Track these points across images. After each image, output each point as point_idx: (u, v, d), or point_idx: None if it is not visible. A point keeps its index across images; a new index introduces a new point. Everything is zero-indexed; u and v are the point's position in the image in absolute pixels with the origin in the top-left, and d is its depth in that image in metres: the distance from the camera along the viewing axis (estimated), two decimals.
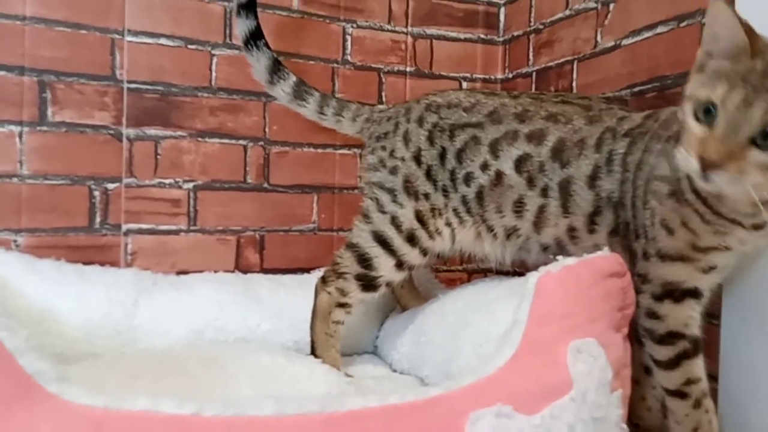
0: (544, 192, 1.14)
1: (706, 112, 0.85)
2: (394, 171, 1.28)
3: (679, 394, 0.99)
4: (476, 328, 1.12)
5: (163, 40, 1.54)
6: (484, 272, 1.85)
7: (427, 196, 1.26)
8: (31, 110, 1.43)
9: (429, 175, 1.26)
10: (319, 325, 1.29)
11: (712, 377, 1.13)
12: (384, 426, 0.74)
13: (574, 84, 1.57)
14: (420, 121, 1.28)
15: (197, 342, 1.32)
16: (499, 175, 1.18)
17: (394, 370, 1.38)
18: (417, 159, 1.27)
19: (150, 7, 1.53)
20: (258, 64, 1.44)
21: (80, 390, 0.66)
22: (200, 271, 1.54)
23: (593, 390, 0.83)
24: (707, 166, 0.82)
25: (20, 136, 1.43)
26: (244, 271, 1.60)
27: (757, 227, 0.95)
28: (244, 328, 1.37)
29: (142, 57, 1.52)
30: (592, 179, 1.09)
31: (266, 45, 1.43)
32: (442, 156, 1.25)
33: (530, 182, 1.15)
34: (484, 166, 1.20)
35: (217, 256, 1.60)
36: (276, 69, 1.44)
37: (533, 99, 1.23)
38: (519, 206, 1.17)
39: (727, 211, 0.93)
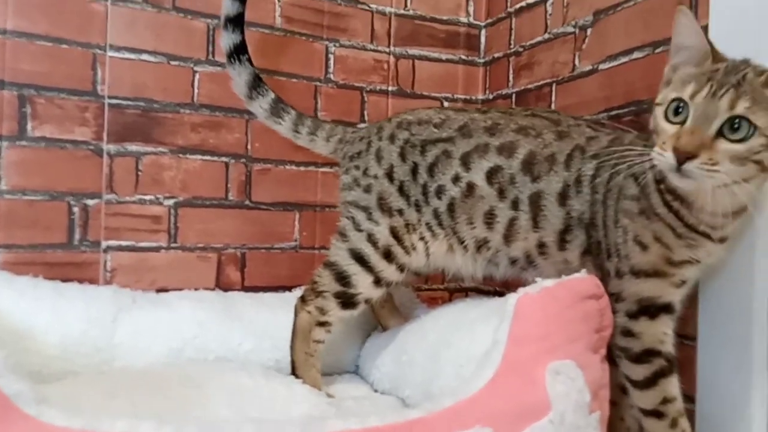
0: (515, 204, 1.16)
1: (676, 112, 0.91)
2: (368, 189, 1.30)
3: (656, 414, 1.01)
4: (457, 348, 1.13)
5: (145, 56, 1.54)
6: (466, 291, 1.86)
7: (400, 211, 1.27)
8: (10, 124, 1.42)
9: (402, 190, 1.28)
10: (299, 345, 1.29)
11: (689, 398, 1.14)
12: None
13: (552, 106, 1.59)
14: (392, 139, 1.30)
15: (177, 360, 1.31)
16: (470, 187, 1.20)
17: (375, 390, 1.38)
18: (389, 176, 1.29)
19: (133, 22, 1.53)
20: (239, 78, 1.45)
21: (58, 412, 0.65)
22: (180, 289, 1.52)
23: (571, 411, 0.84)
24: (682, 155, 0.86)
25: None
26: (225, 289, 1.59)
27: (722, 240, 1.00)
28: (224, 347, 1.36)
29: (123, 72, 1.52)
30: (563, 197, 1.12)
31: (249, 60, 1.44)
32: (414, 171, 1.27)
33: (501, 194, 1.17)
34: (456, 179, 1.22)
35: (197, 273, 1.59)
36: (256, 85, 1.45)
37: (502, 113, 1.26)
38: (490, 218, 1.19)
39: (697, 223, 0.97)
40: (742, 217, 0.98)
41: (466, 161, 1.22)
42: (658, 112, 0.94)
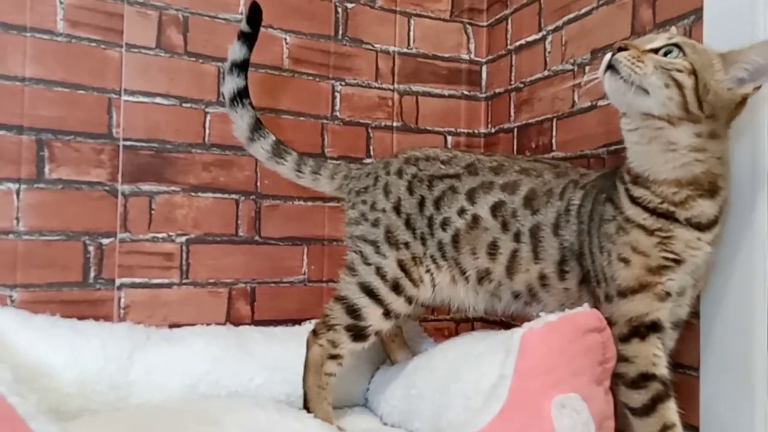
0: (517, 237, 1.22)
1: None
2: (376, 223, 1.34)
3: None
4: (465, 381, 1.15)
5: (158, 99, 1.60)
6: (472, 322, 1.88)
7: (407, 244, 1.32)
8: (28, 168, 1.47)
9: (408, 223, 1.33)
10: (311, 378, 1.32)
11: (694, 429, 1.16)
12: None
13: (553, 140, 1.64)
14: (400, 173, 1.36)
15: (191, 396, 1.34)
16: (475, 219, 1.26)
17: (385, 423, 1.40)
18: (397, 209, 1.33)
19: (146, 67, 1.59)
20: (241, 120, 1.49)
21: None
22: (192, 324, 1.55)
23: None
24: (616, 49, 1.00)
25: (17, 194, 1.46)
26: (236, 324, 1.62)
27: (693, 224, 1.03)
28: (236, 382, 1.39)
29: (138, 115, 1.58)
30: (556, 227, 1.18)
31: (251, 104, 1.49)
32: (421, 204, 1.32)
33: (504, 226, 1.23)
34: (461, 212, 1.28)
35: (208, 308, 1.63)
36: (257, 127, 1.49)
37: (507, 157, 1.33)
38: (493, 249, 1.24)
39: (659, 201, 1.03)
40: (710, 199, 1.03)
41: (471, 196, 1.28)
42: None
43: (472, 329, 1.81)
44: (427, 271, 1.32)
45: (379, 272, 1.31)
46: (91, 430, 1.06)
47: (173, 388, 1.35)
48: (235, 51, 1.46)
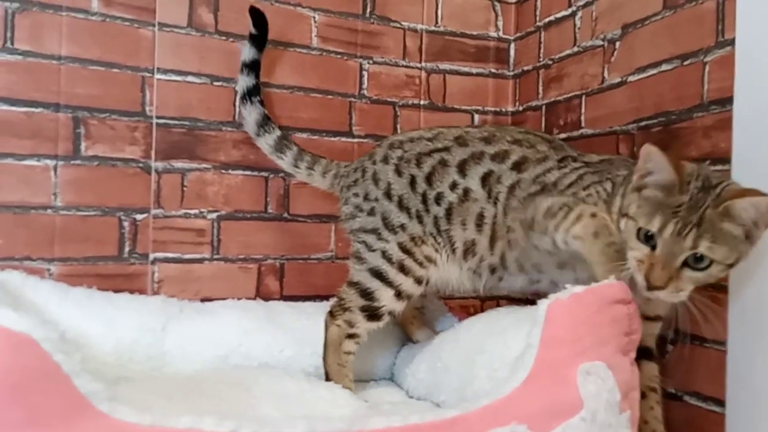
0: (496, 200, 1.25)
1: (647, 238, 1.00)
2: (371, 212, 1.37)
3: None
4: (491, 353, 1.17)
5: (190, 78, 1.62)
6: (497, 300, 1.89)
7: (403, 227, 1.33)
8: (65, 145, 1.51)
9: (401, 205, 1.34)
10: (331, 357, 1.35)
11: (720, 402, 1.17)
12: None
13: (582, 117, 1.63)
14: (385, 159, 1.38)
15: (223, 366, 1.37)
16: (466, 192, 1.28)
17: (411, 396, 1.42)
18: (388, 194, 1.35)
19: (178, 46, 1.61)
20: (249, 116, 1.56)
21: (129, 409, 0.72)
22: (223, 299, 1.59)
23: (603, 410, 0.88)
24: (652, 287, 0.98)
25: (55, 170, 1.50)
26: (265, 298, 1.66)
27: None
28: (267, 354, 1.42)
29: (170, 94, 1.61)
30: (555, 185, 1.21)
31: (260, 101, 1.55)
32: (412, 183, 1.34)
33: (489, 194, 1.26)
34: (453, 186, 1.30)
35: (239, 283, 1.66)
36: (264, 123, 1.55)
37: (498, 128, 1.36)
38: (480, 219, 1.27)
39: None
40: None
41: (462, 168, 1.29)
42: (631, 228, 1.02)
43: (498, 307, 1.82)
44: (436, 250, 1.34)
45: (385, 255, 1.33)
46: (130, 394, 1.10)
47: (206, 358, 1.38)
48: (245, 52, 1.54)
